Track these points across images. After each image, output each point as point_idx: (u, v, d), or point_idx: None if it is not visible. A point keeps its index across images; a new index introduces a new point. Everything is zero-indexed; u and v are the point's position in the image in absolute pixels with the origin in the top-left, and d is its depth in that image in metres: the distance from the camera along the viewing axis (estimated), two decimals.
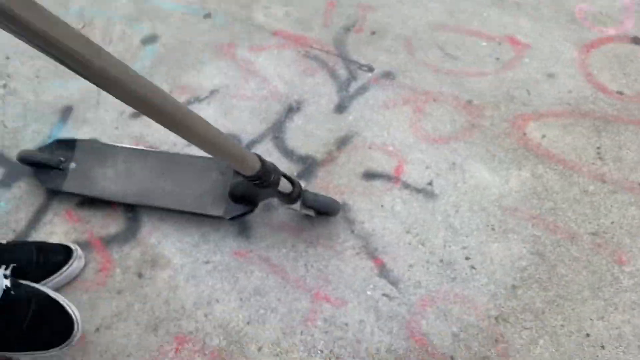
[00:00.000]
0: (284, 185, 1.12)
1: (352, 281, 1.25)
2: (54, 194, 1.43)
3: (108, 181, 1.38)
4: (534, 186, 1.37)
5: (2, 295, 1.03)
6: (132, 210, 1.40)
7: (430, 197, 1.37)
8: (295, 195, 1.16)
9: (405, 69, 1.68)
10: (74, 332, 1.14)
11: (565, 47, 1.70)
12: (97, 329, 1.21)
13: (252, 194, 1.23)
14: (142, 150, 1.44)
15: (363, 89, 1.63)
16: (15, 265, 1.15)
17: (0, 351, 1.11)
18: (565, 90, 1.57)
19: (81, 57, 0.58)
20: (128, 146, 1.46)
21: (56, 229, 1.38)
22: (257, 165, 0.98)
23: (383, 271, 1.26)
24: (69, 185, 1.39)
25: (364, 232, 1.32)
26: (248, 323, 1.21)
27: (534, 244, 1.27)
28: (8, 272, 1.12)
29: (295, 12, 1.92)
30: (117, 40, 1.87)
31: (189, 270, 1.29)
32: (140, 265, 1.31)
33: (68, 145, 1.44)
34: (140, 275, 1.29)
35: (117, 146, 1.45)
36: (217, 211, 1.29)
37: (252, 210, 1.29)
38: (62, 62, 0.59)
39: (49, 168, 1.41)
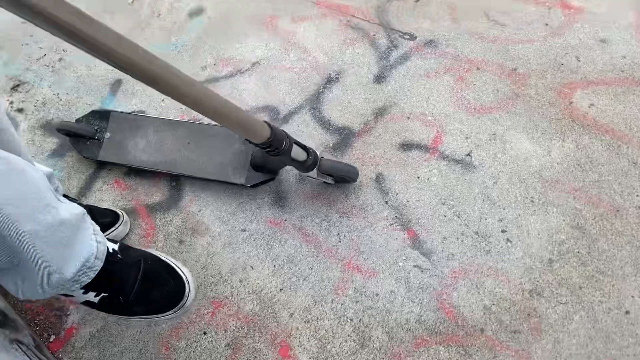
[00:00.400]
0: (298, 153, 1.13)
1: (383, 252, 1.25)
2: (104, 164, 1.50)
3: (139, 150, 1.44)
4: (577, 157, 1.31)
5: (111, 260, 1.06)
6: (176, 180, 1.45)
7: (468, 168, 1.34)
8: (309, 163, 1.17)
9: (448, 37, 1.63)
10: (186, 293, 1.20)
11: (622, 11, 1.59)
12: None
13: (271, 162, 1.25)
14: (172, 120, 1.48)
15: (404, 58, 1.60)
16: None
17: (115, 315, 1.16)
18: (619, 56, 1.48)
19: (104, 45, 0.62)
20: (158, 117, 1.51)
21: (105, 196, 1.45)
22: (267, 133, 0.99)
23: (416, 243, 1.25)
24: (104, 154, 1.46)
25: (398, 203, 1.32)
26: (281, 290, 1.24)
27: (575, 217, 1.22)
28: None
29: None
30: (165, 13, 1.92)
31: (226, 238, 1.33)
32: (181, 232, 1.36)
33: (103, 115, 1.51)
34: (181, 242, 1.34)
35: (148, 117, 1.51)
36: (239, 179, 1.33)
37: (272, 179, 1.32)
38: (87, 51, 0.63)
39: (85, 138, 1.48)
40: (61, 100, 1.70)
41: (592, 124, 1.36)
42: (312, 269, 1.26)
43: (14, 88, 1.75)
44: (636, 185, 1.25)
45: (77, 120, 1.53)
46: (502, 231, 1.23)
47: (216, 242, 1.33)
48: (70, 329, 1.24)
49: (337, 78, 1.59)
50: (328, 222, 1.32)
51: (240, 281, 1.26)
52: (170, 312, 1.18)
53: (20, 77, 1.78)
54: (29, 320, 1.26)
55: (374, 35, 1.68)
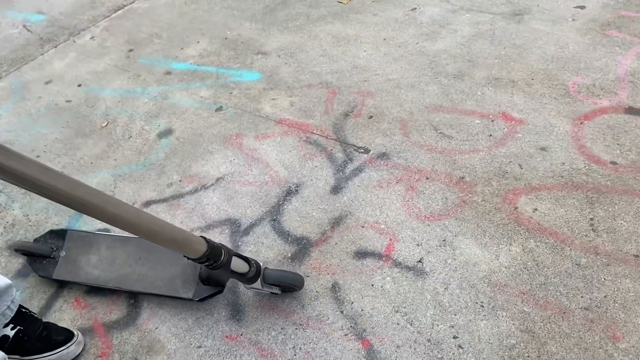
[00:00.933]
0: (239, 265, 1.15)
1: None
2: (65, 283, 1.51)
3: (92, 267, 1.47)
4: (524, 261, 1.35)
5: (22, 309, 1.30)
6: (134, 297, 1.46)
7: (420, 275, 1.37)
8: (251, 275, 1.20)
9: (400, 150, 1.73)
10: (75, 335, 1.35)
11: (559, 121, 1.72)
12: None
13: (216, 275, 1.27)
14: (124, 237, 1.51)
15: (358, 170, 1.69)
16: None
17: (17, 356, 1.31)
18: (558, 163, 1.58)
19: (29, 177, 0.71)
20: (111, 234, 1.55)
21: (64, 316, 1.45)
22: (203, 247, 1.02)
23: (370, 353, 1.25)
24: (59, 272, 1.48)
25: (353, 312, 1.33)
26: None
27: (524, 321, 1.24)
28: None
29: (299, 102, 2.03)
30: (135, 135, 2.03)
31: (181, 355, 1.32)
32: (137, 351, 1.35)
33: (59, 235, 1.55)
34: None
35: (102, 234, 1.55)
36: (187, 294, 1.35)
37: (220, 291, 1.34)
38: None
39: (42, 257, 1.51)
40: (30, 221, 1.75)
41: (537, 227, 1.42)
42: None
43: None
44: (580, 286, 1.28)
45: (35, 240, 1.56)
46: (454, 337, 1.23)
47: None
48: None
49: (296, 190, 1.66)
50: (284, 334, 1.32)
51: None
52: (62, 347, 1.31)
53: None
54: None
55: (331, 149, 1.78)
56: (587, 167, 1.55)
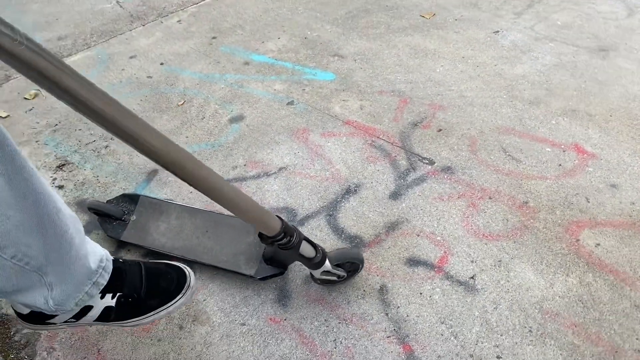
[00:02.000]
0: (307, 250, 1.17)
1: None
2: (124, 244, 1.58)
3: (160, 234, 1.52)
4: (580, 294, 1.32)
5: (114, 262, 1.11)
6: (189, 266, 1.51)
7: (471, 291, 1.36)
8: (317, 260, 1.21)
9: (465, 166, 1.72)
10: (187, 274, 1.19)
11: (634, 160, 1.67)
12: None
13: (281, 256, 1.29)
14: (193, 208, 1.57)
15: (420, 180, 1.69)
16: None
17: (132, 319, 1.16)
18: (628, 202, 1.53)
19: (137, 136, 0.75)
20: (181, 204, 1.60)
21: None
22: (278, 226, 1.05)
23: (410, 359, 1.25)
24: (127, 235, 1.54)
25: (398, 317, 1.33)
26: None
27: (572, 353, 1.20)
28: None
29: (369, 107, 2.06)
30: (209, 117, 2.10)
31: (225, 330, 1.35)
32: (183, 318, 1.39)
33: (132, 199, 1.61)
34: (181, 327, 1.37)
35: (173, 203, 1.60)
36: (250, 271, 1.38)
37: (282, 273, 1.37)
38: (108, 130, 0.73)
39: (113, 218, 1.58)
40: (99, 182, 1.83)
41: (597, 262, 1.38)
42: None
43: (60, 167, 1.90)
44: (637, 327, 1.24)
45: (108, 201, 1.64)
46: (497, 357, 1.22)
47: (215, 333, 1.35)
48: None
49: (355, 190, 1.68)
50: (327, 326, 1.33)
51: None
52: (180, 295, 1.16)
53: (67, 157, 1.94)
54: None
55: (395, 156, 1.79)
56: None
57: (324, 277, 1.31)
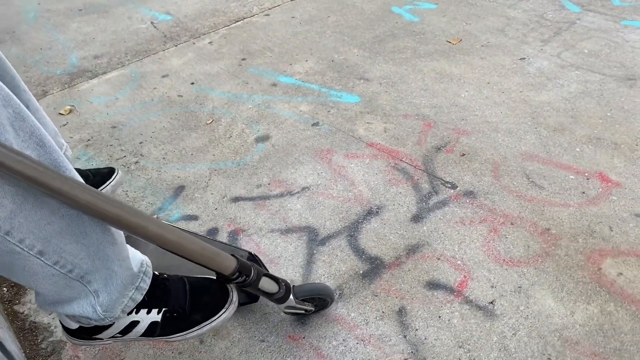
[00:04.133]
0: (267, 286, 1.18)
1: None
2: None
3: (149, 253, 1.55)
4: (600, 323, 1.30)
5: (158, 276, 1.13)
6: None
7: (490, 316, 1.36)
8: (280, 296, 1.21)
9: (487, 191, 1.73)
10: (229, 288, 1.19)
11: None
12: None
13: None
14: (179, 229, 1.59)
15: (442, 204, 1.70)
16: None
17: (177, 334, 1.16)
18: None
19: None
20: (168, 224, 1.64)
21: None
22: (233, 265, 1.06)
23: None
24: None
25: (416, 339, 1.33)
26: None
27: None
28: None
29: (393, 129, 2.08)
30: (235, 136, 2.15)
31: (244, 345, 1.37)
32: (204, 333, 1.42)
33: None
34: (201, 342, 1.39)
35: (163, 223, 1.63)
36: None
37: (254, 301, 1.39)
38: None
39: None
40: (128, 197, 1.89)
41: (619, 292, 1.37)
42: None
43: None
44: None
45: None
46: None
47: (234, 348, 1.37)
48: None
49: (377, 212, 1.70)
50: (344, 346, 1.34)
51: None
52: (224, 309, 1.17)
53: None
54: None
55: (418, 179, 1.80)
56: None
57: (289, 311, 1.33)
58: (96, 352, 1.38)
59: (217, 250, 1.04)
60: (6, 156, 0.71)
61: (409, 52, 2.67)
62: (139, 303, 1.08)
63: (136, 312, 1.09)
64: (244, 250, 1.46)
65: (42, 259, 0.87)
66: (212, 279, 1.22)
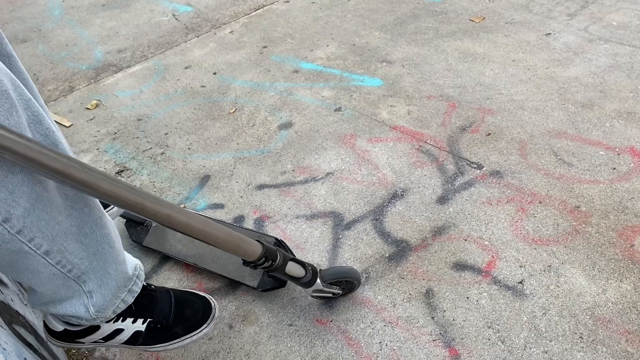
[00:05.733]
0: (294, 270, 1.19)
1: None
2: None
3: (176, 242, 1.58)
4: (634, 300, 1.27)
5: (147, 286, 1.16)
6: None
7: (519, 296, 1.34)
8: (306, 280, 1.23)
9: (514, 170, 1.70)
10: (213, 305, 1.24)
11: None
12: None
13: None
14: (205, 217, 1.61)
15: (468, 185, 1.68)
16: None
17: (157, 345, 1.19)
18: None
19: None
20: (195, 212, 1.65)
21: (173, 276, 1.58)
22: (258, 251, 1.07)
23: None
24: (148, 240, 1.62)
25: (444, 321, 1.33)
26: None
27: None
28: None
29: (417, 112, 2.06)
30: (259, 124, 2.15)
31: (273, 330, 1.39)
32: (233, 318, 1.44)
33: None
34: (230, 327, 1.41)
35: (189, 211, 1.65)
36: (253, 282, 1.44)
37: (282, 286, 1.42)
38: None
39: (137, 223, 1.65)
40: (155, 187, 1.92)
41: None
42: None
43: (118, 173, 2.00)
44: None
45: None
46: None
47: (263, 332, 1.39)
48: None
49: (402, 195, 1.69)
50: (372, 329, 1.34)
51: None
52: (205, 325, 1.21)
53: (125, 164, 2.04)
54: None
55: (443, 161, 1.78)
56: None
57: (317, 294, 1.33)
58: None
59: (243, 236, 1.05)
60: (36, 151, 0.72)
61: (431, 33, 2.63)
62: (126, 311, 1.10)
63: (122, 320, 1.11)
64: (270, 236, 1.47)
65: (47, 258, 0.88)
66: (196, 293, 1.26)
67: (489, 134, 1.87)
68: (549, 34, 2.45)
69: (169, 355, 1.37)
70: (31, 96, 0.81)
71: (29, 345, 1.06)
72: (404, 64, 2.40)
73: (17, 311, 1.19)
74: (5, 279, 1.30)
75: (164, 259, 1.62)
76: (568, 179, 1.63)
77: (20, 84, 0.79)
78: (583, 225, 1.48)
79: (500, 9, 2.75)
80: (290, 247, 1.52)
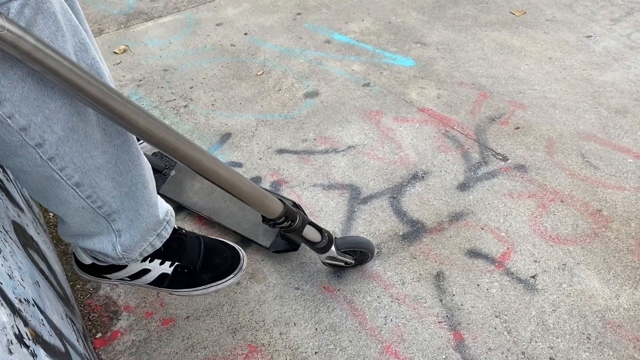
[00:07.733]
0: (311, 234, 1.19)
1: (425, 346, 1.24)
2: None
3: (193, 193, 1.57)
4: None
5: (177, 231, 1.15)
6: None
7: (530, 289, 1.33)
8: (322, 245, 1.23)
9: (539, 167, 1.67)
10: (241, 256, 1.23)
11: None
12: (188, 317, 1.35)
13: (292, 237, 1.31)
14: (229, 167, 1.60)
15: (491, 175, 1.66)
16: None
17: (183, 289, 1.20)
18: None
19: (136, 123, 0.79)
20: (222, 162, 1.64)
21: (185, 225, 1.58)
22: (280, 209, 1.06)
23: (460, 346, 1.23)
24: (165, 189, 1.61)
25: (452, 304, 1.32)
26: (316, 353, 1.25)
27: None
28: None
29: (447, 96, 2.03)
30: (285, 90, 2.13)
31: (279, 291, 1.38)
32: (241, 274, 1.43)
33: None
34: (238, 283, 1.41)
35: None
36: (266, 242, 1.43)
37: (294, 249, 1.42)
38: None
39: (155, 171, 1.64)
40: None
41: None
42: (351, 342, 1.27)
43: None
44: None
45: (154, 154, 1.69)
46: (550, 358, 1.18)
47: (269, 292, 1.38)
48: (117, 332, 1.31)
49: (422, 177, 1.67)
50: (379, 303, 1.34)
51: (281, 334, 1.29)
52: (232, 275, 1.20)
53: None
54: (84, 314, 1.36)
55: (468, 148, 1.76)
56: None
57: (329, 261, 1.32)
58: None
59: (267, 193, 1.05)
60: (79, 76, 0.71)
61: (469, 20, 2.58)
62: (155, 252, 1.10)
63: (150, 261, 1.11)
64: (288, 199, 1.46)
65: (77, 190, 0.88)
66: (227, 242, 1.25)
67: (518, 128, 1.84)
68: (590, 36, 2.40)
69: (173, 302, 1.37)
70: (79, 25, 0.80)
71: (41, 270, 1.06)
72: (439, 47, 2.36)
73: (31, 236, 1.19)
74: (22, 204, 1.30)
75: (178, 208, 1.62)
76: (593, 181, 1.61)
77: (69, 10, 0.77)
78: (603, 229, 1.46)
79: (542, 5, 2.69)
80: (306, 213, 1.51)
